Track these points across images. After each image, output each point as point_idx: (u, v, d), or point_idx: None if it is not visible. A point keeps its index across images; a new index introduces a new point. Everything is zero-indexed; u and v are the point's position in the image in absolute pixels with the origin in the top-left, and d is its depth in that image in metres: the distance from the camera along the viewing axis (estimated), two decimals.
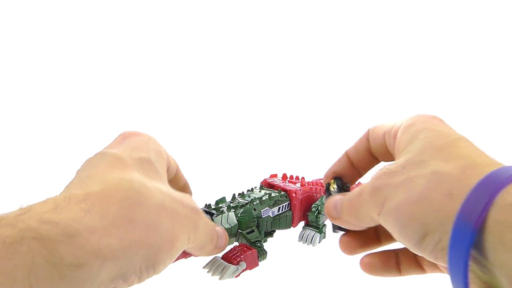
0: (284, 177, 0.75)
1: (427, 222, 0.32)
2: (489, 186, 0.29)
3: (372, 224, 0.41)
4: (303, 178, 0.75)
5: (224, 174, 0.84)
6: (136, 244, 0.35)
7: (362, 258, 0.48)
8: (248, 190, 0.70)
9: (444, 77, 1.26)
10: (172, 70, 1.22)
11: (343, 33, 1.23)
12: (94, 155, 0.42)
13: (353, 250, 0.49)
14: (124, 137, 0.46)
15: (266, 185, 0.72)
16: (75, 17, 1.29)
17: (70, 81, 1.28)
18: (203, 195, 0.73)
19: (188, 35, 1.25)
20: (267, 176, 0.76)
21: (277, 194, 0.68)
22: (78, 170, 0.41)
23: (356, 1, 1.27)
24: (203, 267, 0.58)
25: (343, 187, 0.51)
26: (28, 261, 0.28)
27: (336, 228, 0.50)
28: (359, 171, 0.51)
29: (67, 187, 0.37)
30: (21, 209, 0.32)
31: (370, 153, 0.49)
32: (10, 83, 1.24)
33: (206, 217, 0.48)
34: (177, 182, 0.56)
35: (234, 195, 0.67)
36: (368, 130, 0.49)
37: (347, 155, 0.52)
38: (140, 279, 0.37)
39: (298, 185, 0.72)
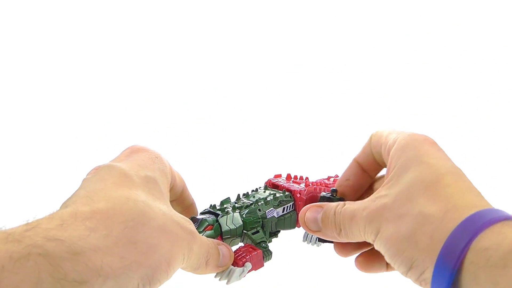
0: (288, 177, 0.76)
1: (413, 257, 0.38)
2: (467, 231, 0.34)
3: (360, 240, 0.47)
4: (307, 178, 0.75)
5: (229, 174, 0.85)
6: (137, 264, 0.37)
7: (356, 258, 0.54)
8: (252, 191, 0.70)
9: (444, 77, 1.26)
10: (178, 72, 1.22)
11: (348, 32, 1.23)
12: (102, 167, 0.43)
13: (348, 252, 0.54)
14: (132, 151, 0.48)
15: (271, 185, 0.72)
16: (74, 17, 1.28)
17: (70, 81, 1.28)
18: (208, 195, 0.73)
19: (190, 35, 1.25)
20: (271, 176, 0.76)
21: (281, 194, 0.68)
22: (84, 180, 0.42)
23: (357, 1, 1.28)
24: None
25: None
26: (34, 276, 0.29)
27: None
28: (370, 175, 0.56)
29: (74, 200, 0.38)
30: (27, 224, 0.33)
31: (375, 158, 0.53)
32: (9, 85, 1.24)
33: (203, 239, 0.50)
34: (183, 201, 0.58)
35: (238, 195, 0.67)
36: (371, 136, 0.54)
37: (355, 161, 0.56)
38: None
39: (303, 185, 0.72)
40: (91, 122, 1.20)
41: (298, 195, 0.69)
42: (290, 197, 0.68)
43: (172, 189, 0.53)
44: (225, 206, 0.64)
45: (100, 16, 1.28)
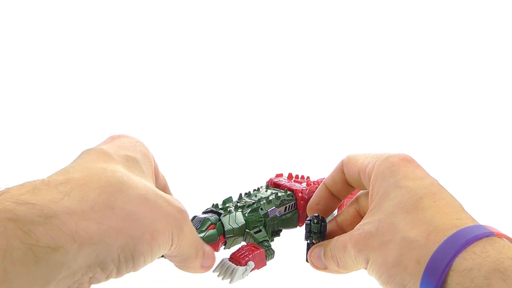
0: (290, 176, 0.76)
1: (404, 282, 0.40)
2: (448, 251, 0.36)
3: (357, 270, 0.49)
4: (308, 177, 0.75)
5: (230, 173, 0.85)
6: (115, 230, 0.34)
7: None
8: (254, 190, 0.70)
9: (444, 77, 1.27)
10: (180, 71, 1.22)
11: (350, 30, 1.24)
12: (81, 153, 0.42)
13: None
14: (113, 137, 0.46)
15: (272, 184, 0.73)
16: (72, 17, 1.28)
17: (69, 81, 1.28)
18: (210, 194, 0.73)
19: (190, 35, 1.25)
20: (272, 175, 0.77)
21: (283, 193, 0.68)
22: None
23: (357, 1, 1.28)
24: (213, 271, 0.58)
25: (322, 229, 0.59)
26: (3, 243, 0.28)
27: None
28: (339, 198, 0.60)
29: (51, 176, 0.36)
30: (7, 190, 0.31)
31: (347, 182, 0.56)
32: (5, 85, 1.24)
33: (193, 225, 0.48)
34: None
35: (240, 194, 0.68)
36: (342, 162, 0.56)
37: (325, 185, 0.60)
38: (118, 271, 0.36)
39: (304, 184, 0.72)
40: (89, 122, 1.19)
41: (300, 194, 0.69)
42: (292, 196, 0.69)
43: (155, 180, 0.50)
44: (227, 205, 0.64)
45: (98, 17, 1.28)
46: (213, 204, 0.63)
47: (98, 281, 0.35)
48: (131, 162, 0.42)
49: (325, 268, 0.54)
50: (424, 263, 0.38)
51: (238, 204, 0.64)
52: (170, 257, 0.46)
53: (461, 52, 1.27)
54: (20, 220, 0.29)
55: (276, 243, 0.66)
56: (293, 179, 0.75)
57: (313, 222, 0.60)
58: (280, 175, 0.77)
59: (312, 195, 0.72)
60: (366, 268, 0.45)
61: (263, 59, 1.20)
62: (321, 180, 0.78)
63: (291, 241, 0.68)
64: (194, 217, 0.60)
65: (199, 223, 0.58)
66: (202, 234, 0.58)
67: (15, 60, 1.25)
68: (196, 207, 0.68)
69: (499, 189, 0.87)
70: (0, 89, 1.24)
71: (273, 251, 0.61)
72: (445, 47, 1.28)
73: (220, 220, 0.60)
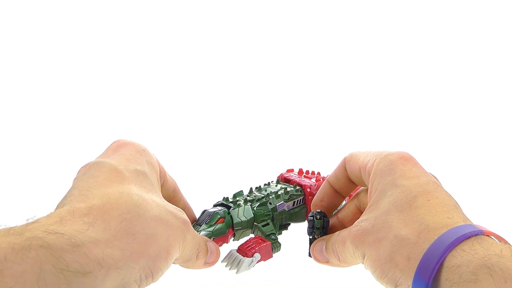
0: (300, 172, 0.78)
1: (396, 278, 0.41)
2: (438, 250, 0.38)
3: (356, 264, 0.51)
4: (319, 173, 0.77)
5: (244, 168, 0.87)
6: (137, 254, 0.38)
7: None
8: (265, 184, 0.72)
9: (444, 77, 1.25)
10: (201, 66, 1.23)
11: (360, 26, 1.23)
12: (91, 164, 0.44)
13: None
14: (119, 145, 0.48)
15: (283, 179, 0.75)
16: (70, 18, 1.30)
17: (68, 80, 1.29)
18: (223, 188, 0.76)
19: (191, 33, 1.26)
20: (284, 170, 0.79)
21: (292, 188, 0.70)
22: (75, 179, 0.43)
23: (357, 1, 1.26)
24: (222, 261, 0.61)
25: (324, 225, 0.60)
26: (37, 266, 0.30)
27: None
28: (342, 195, 0.61)
29: (69, 199, 0.39)
30: (27, 221, 0.34)
31: (349, 179, 0.57)
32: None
33: (195, 232, 0.51)
34: (177, 205, 0.57)
35: (251, 188, 0.70)
36: (344, 159, 0.57)
37: (328, 182, 0.60)
38: (140, 287, 0.40)
39: (314, 180, 0.74)
40: (87, 121, 1.20)
41: (308, 189, 0.71)
42: (301, 191, 0.71)
43: (162, 186, 0.54)
44: (237, 199, 0.66)
45: (96, 17, 1.29)
46: (224, 198, 0.66)
47: None
48: (141, 176, 0.45)
49: (327, 262, 0.55)
50: (415, 260, 0.39)
51: (248, 198, 0.67)
52: (175, 261, 0.49)
53: (461, 52, 1.25)
54: (51, 247, 0.31)
55: (283, 236, 0.69)
56: (304, 174, 0.77)
57: (316, 218, 0.62)
58: (291, 171, 0.79)
59: None
60: (363, 263, 0.47)
61: (282, 55, 1.21)
62: None
63: (298, 234, 0.70)
64: (204, 211, 0.63)
65: (209, 217, 0.61)
66: (211, 228, 0.60)
67: (9, 61, 1.26)
68: (210, 200, 0.71)
69: (498, 189, 0.86)
70: None
71: (280, 244, 0.64)
72: (445, 47, 1.25)
73: (229, 213, 0.63)
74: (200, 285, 0.59)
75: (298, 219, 0.70)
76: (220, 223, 0.61)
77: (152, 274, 0.40)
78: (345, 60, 1.21)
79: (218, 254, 0.56)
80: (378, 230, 0.44)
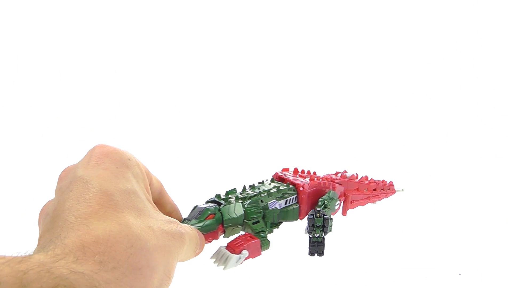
0: (295, 171, 0.78)
1: None
2: None
3: None
4: (314, 172, 0.77)
5: (241, 166, 0.88)
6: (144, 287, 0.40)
7: None
8: (259, 182, 0.73)
9: (444, 77, 1.23)
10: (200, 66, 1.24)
11: (363, 26, 1.22)
12: (77, 179, 0.43)
13: None
14: (103, 154, 0.46)
15: (277, 178, 0.75)
16: (71, 17, 1.31)
17: (66, 79, 1.30)
18: (220, 185, 0.77)
19: (192, 33, 1.26)
20: (279, 169, 0.79)
21: (285, 187, 0.70)
22: (60, 193, 0.43)
23: (357, 1, 1.25)
24: (210, 258, 0.62)
25: (325, 223, 0.63)
26: None
27: (311, 253, 0.62)
28: None
29: (67, 225, 0.39)
30: (54, 255, 0.35)
31: None
32: None
33: (191, 234, 0.51)
34: (164, 207, 0.57)
35: (244, 186, 0.70)
36: None
37: None
38: None
39: (308, 179, 0.74)
40: (87, 120, 1.20)
41: (301, 188, 0.71)
42: (294, 190, 0.71)
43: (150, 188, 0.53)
44: (229, 196, 0.67)
45: (95, 17, 1.30)
46: (216, 195, 0.67)
47: None
48: (132, 196, 0.45)
49: None
50: None
51: (240, 195, 0.67)
52: None
53: (461, 52, 1.23)
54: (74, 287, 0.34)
55: (275, 235, 0.69)
56: (299, 174, 0.77)
57: (316, 216, 0.62)
58: (287, 170, 0.79)
59: (314, 190, 0.74)
60: None
61: (279, 54, 1.21)
62: (327, 176, 0.80)
63: (290, 233, 0.70)
64: (196, 206, 0.64)
65: (199, 213, 0.62)
66: (200, 224, 0.61)
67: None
68: (206, 197, 0.72)
69: (497, 189, 0.85)
70: None
71: (269, 242, 0.64)
72: (445, 48, 1.24)
73: (220, 209, 0.64)
74: (194, 285, 0.59)
75: (290, 217, 0.71)
76: (210, 219, 0.62)
77: None
78: (339, 60, 1.20)
79: (203, 246, 0.57)
80: None
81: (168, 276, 0.44)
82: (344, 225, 0.68)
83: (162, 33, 1.27)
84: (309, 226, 0.63)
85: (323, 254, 0.62)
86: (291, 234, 0.71)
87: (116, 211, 0.42)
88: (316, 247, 0.62)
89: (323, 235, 0.63)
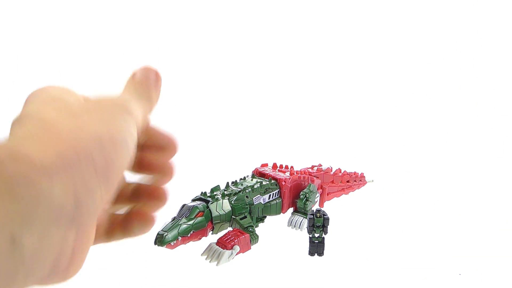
0: (274, 166, 0.80)
1: None
2: None
3: None
4: (292, 167, 0.80)
5: (218, 163, 0.88)
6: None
7: None
8: (240, 179, 0.74)
9: (444, 77, 1.28)
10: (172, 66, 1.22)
11: (332, 26, 1.26)
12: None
13: None
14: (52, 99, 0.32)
15: (258, 174, 0.77)
16: (71, 17, 1.28)
17: (66, 79, 1.27)
18: (199, 182, 0.77)
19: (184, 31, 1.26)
20: (258, 165, 0.81)
21: (268, 182, 0.72)
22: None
23: (357, 1, 1.29)
24: (201, 254, 0.63)
25: (325, 223, 0.63)
26: None
27: (311, 253, 0.63)
28: None
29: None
30: None
31: None
32: None
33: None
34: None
35: (227, 183, 0.72)
36: None
37: None
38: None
39: (288, 174, 0.77)
40: None
41: (283, 183, 0.73)
42: (276, 185, 0.73)
43: None
44: (215, 193, 0.68)
45: (93, 17, 1.28)
46: (202, 192, 0.68)
47: None
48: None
49: None
50: None
51: (225, 192, 0.69)
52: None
53: (460, 52, 1.29)
54: None
55: (260, 229, 0.71)
56: (278, 168, 0.80)
57: (316, 216, 0.64)
58: (265, 165, 0.81)
59: (295, 184, 0.76)
60: None
61: (255, 55, 1.22)
62: (304, 169, 0.83)
63: (274, 227, 0.72)
64: (184, 205, 0.64)
65: (188, 211, 0.63)
66: (191, 222, 0.62)
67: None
68: (187, 195, 0.72)
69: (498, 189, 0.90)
70: None
71: (257, 236, 0.66)
72: (445, 48, 1.29)
73: (208, 207, 0.65)
74: (193, 285, 0.60)
75: (274, 211, 0.73)
76: (200, 216, 0.63)
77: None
78: (324, 58, 1.23)
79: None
80: None
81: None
82: (342, 224, 0.70)
83: (155, 31, 1.25)
84: (309, 226, 0.64)
85: (323, 254, 0.64)
86: (275, 228, 0.73)
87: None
88: (316, 247, 0.64)
89: (323, 235, 0.64)
